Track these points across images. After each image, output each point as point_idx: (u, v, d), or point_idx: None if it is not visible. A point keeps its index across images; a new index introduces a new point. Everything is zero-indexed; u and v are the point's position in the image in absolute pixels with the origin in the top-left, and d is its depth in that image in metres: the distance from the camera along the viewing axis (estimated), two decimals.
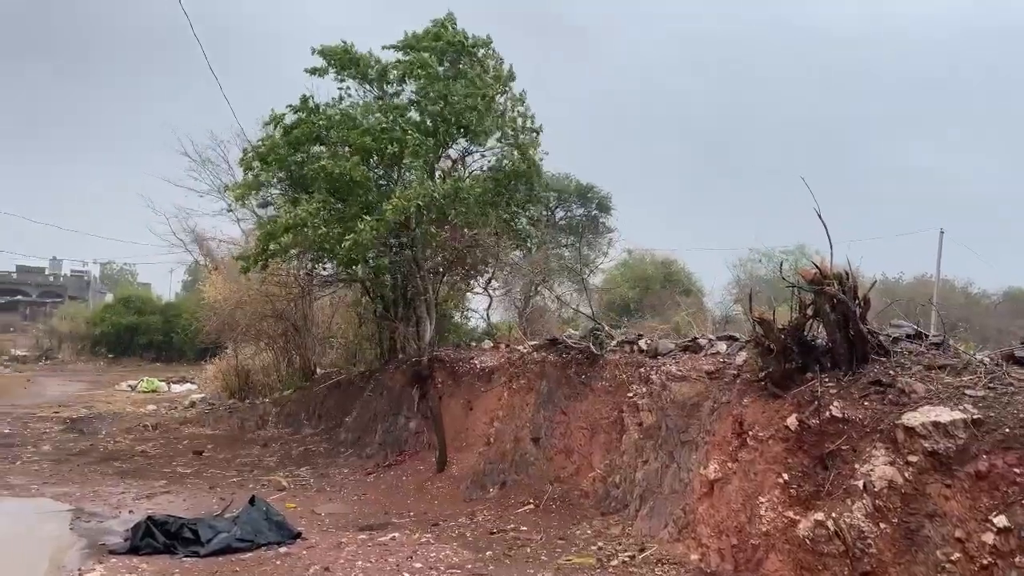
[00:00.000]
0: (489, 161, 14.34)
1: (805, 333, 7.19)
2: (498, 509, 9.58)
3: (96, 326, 41.69)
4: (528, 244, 16.29)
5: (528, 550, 7.67)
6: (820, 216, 7.17)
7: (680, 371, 8.69)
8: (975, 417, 5.56)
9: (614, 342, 10.65)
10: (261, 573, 6.70)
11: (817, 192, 7.14)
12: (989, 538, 5.02)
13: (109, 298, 52.23)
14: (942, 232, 32.53)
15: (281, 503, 9.80)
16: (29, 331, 48.11)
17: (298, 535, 8.11)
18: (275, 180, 14.38)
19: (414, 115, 13.02)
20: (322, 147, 13.23)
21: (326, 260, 15.05)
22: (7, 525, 8.32)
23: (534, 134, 13.79)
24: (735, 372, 7.97)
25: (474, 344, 16.10)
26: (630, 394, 9.21)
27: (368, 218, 11.87)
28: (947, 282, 33.10)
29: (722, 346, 9.13)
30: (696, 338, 9.85)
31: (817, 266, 6.95)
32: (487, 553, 7.54)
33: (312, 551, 7.51)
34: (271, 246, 12.74)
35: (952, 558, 5.14)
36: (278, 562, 7.11)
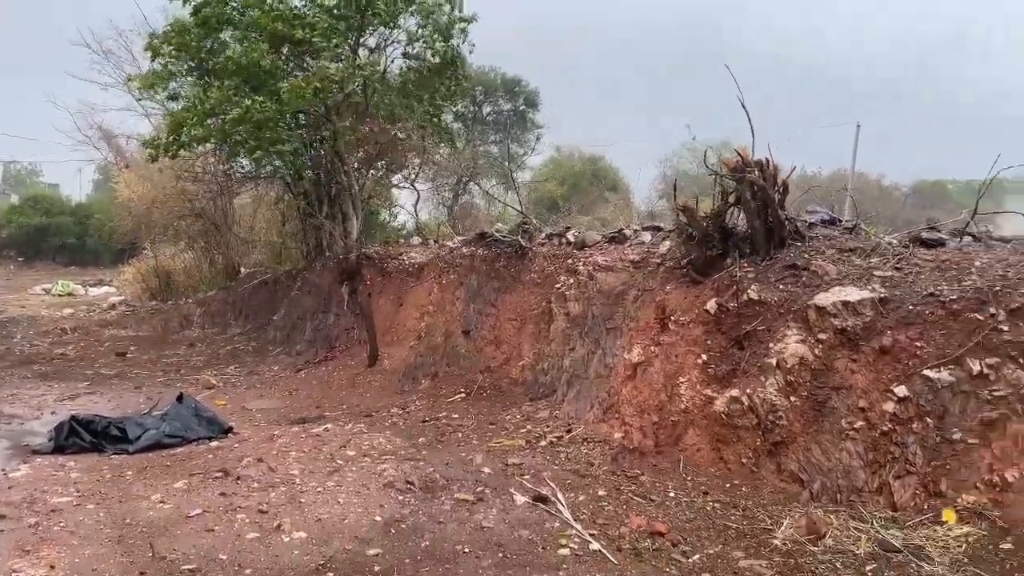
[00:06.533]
0: (413, 51, 13.62)
1: (726, 221, 7.38)
2: (430, 399, 9.75)
3: (2, 228, 39.44)
4: (453, 142, 15.91)
5: (460, 435, 7.88)
6: (744, 105, 7.24)
7: (606, 261, 8.85)
8: (882, 296, 5.88)
9: (542, 235, 10.73)
10: (193, 466, 6.69)
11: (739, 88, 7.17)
12: (890, 407, 5.41)
13: (15, 199, 49.13)
14: (859, 126, 33.35)
15: (210, 401, 9.74)
16: None
17: (229, 430, 8.11)
18: (185, 69, 13.50)
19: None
20: (235, 31, 12.42)
21: (241, 155, 14.41)
22: None
23: (463, 23, 13.04)
24: (659, 261, 8.16)
25: (403, 241, 15.96)
26: (558, 285, 9.35)
27: (259, 97, 11.34)
28: (862, 175, 34.09)
29: (647, 236, 9.30)
30: (622, 229, 10.01)
31: (740, 154, 7.07)
32: (420, 439, 7.72)
33: (244, 444, 7.53)
34: (182, 136, 12.10)
35: (855, 426, 5.53)
36: (210, 455, 7.11)
